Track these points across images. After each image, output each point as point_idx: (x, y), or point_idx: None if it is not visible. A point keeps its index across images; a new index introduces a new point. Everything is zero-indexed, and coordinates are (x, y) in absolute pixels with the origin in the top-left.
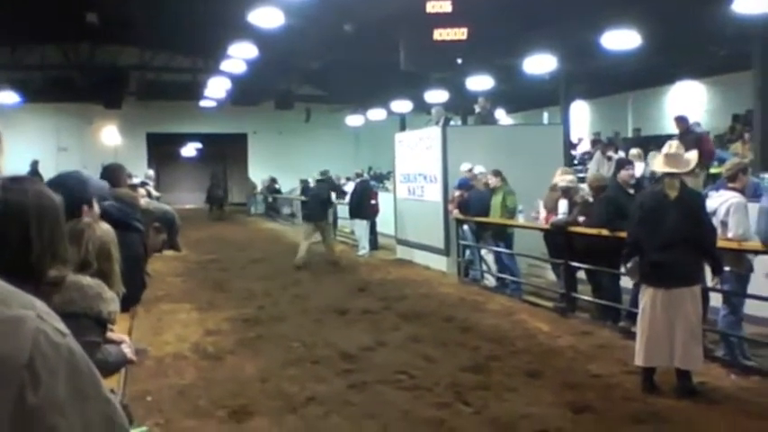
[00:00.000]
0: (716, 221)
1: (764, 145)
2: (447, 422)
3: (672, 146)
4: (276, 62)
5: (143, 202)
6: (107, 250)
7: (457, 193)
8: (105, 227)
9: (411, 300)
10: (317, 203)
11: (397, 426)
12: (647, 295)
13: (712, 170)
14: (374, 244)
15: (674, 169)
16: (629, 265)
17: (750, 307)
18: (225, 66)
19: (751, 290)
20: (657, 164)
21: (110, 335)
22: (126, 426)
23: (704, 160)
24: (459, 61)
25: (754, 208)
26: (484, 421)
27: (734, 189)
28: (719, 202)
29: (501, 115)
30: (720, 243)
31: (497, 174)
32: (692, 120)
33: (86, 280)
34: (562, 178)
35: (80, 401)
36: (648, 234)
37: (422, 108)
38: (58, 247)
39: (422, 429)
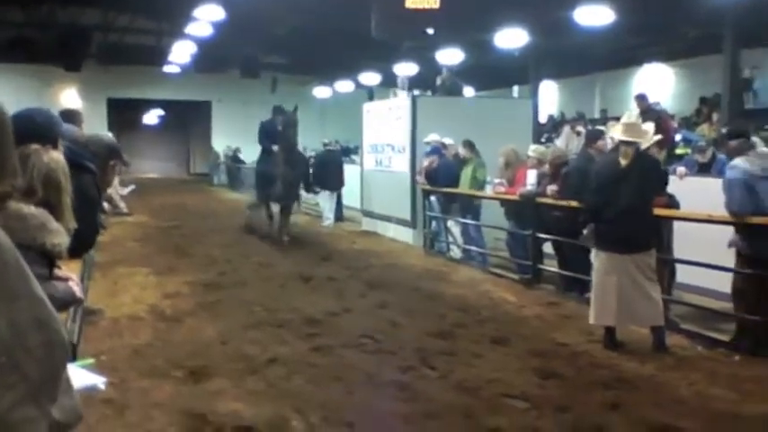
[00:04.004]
0: None
1: (731, 126)
2: (412, 385)
3: (630, 115)
4: (243, 27)
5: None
6: (55, 179)
7: (426, 163)
8: (55, 155)
9: (377, 269)
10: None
11: (361, 388)
12: (599, 259)
13: (678, 151)
14: (339, 215)
15: (629, 138)
16: (585, 231)
17: (714, 280)
18: (190, 29)
19: (710, 260)
20: (615, 131)
21: (57, 272)
22: (61, 333)
23: (664, 139)
24: (431, 31)
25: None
26: (449, 385)
27: None
28: None
29: (468, 92)
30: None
31: (469, 145)
32: (653, 100)
33: (29, 209)
34: (533, 148)
35: (6, 300)
36: (602, 201)
37: (391, 82)
38: (6, 162)
39: (387, 392)
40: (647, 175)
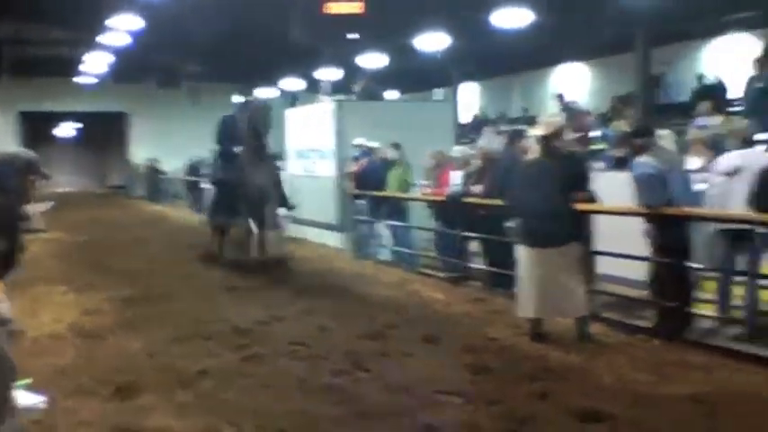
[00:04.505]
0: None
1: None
2: (345, 388)
3: (551, 114)
4: (161, 35)
5: None
6: None
7: (354, 166)
8: None
9: (305, 275)
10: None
11: (294, 395)
12: (524, 254)
13: (595, 147)
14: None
15: (539, 132)
16: (508, 225)
17: (632, 270)
18: (106, 39)
19: (628, 251)
20: (535, 131)
21: None
22: (8, 356)
23: (583, 136)
24: (354, 36)
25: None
26: (382, 386)
27: None
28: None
29: (392, 95)
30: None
31: (397, 147)
32: (570, 98)
33: None
34: (458, 150)
35: None
36: (522, 196)
37: (314, 88)
38: None
39: (320, 396)
40: (569, 170)
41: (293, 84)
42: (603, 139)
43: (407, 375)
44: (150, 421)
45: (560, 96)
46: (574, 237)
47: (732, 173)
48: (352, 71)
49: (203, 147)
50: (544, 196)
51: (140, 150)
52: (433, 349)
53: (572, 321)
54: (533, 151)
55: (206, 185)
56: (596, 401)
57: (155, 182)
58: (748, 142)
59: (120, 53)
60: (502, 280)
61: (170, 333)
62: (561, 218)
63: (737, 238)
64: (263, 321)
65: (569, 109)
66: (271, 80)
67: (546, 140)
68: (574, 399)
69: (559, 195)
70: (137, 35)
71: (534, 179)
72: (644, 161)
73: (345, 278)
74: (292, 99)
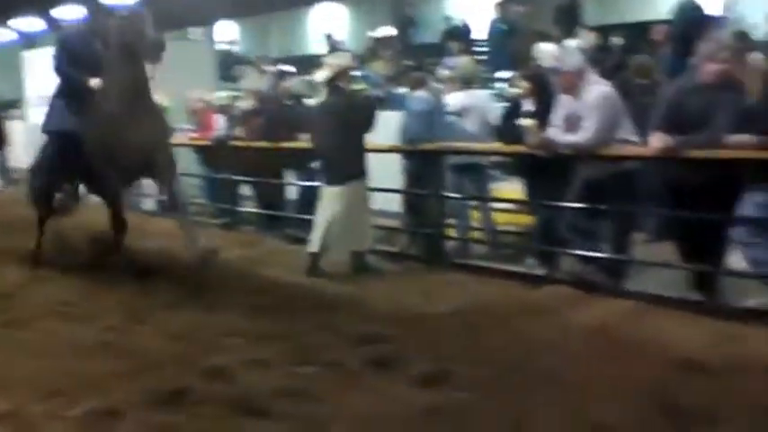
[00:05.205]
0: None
1: (400, 63)
2: (123, 343)
3: (336, 56)
4: None
5: None
6: None
7: None
8: None
9: (63, 232)
10: None
11: (65, 355)
12: (321, 192)
13: (356, 87)
14: (8, 178)
15: (324, 73)
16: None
17: (392, 202)
18: None
19: (385, 185)
20: (320, 74)
21: None
22: None
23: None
24: None
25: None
26: (162, 336)
27: None
28: None
29: None
30: None
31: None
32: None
33: None
34: (216, 95)
35: None
36: (315, 137)
37: (55, 28)
38: None
39: (97, 353)
40: (354, 110)
41: (30, 24)
42: (365, 79)
43: (187, 323)
44: None
45: (329, 36)
46: (362, 174)
47: (460, 112)
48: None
49: None
50: (333, 136)
51: None
52: (210, 295)
53: (347, 254)
54: (322, 93)
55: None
56: (376, 326)
57: None
58: (476, 83)
59: None
60: (274, 222)
61: None
62: (350, 156)
63: (468, 168)
64: (23, 285)
65: (336, 49)
66: (2, 19)
67: (331, 81)
68: (355, 327)
69: (347, 134)
70: None
71: (324, 120)
72: (419, 96)
73: (108, 231)
74: (29, 40)
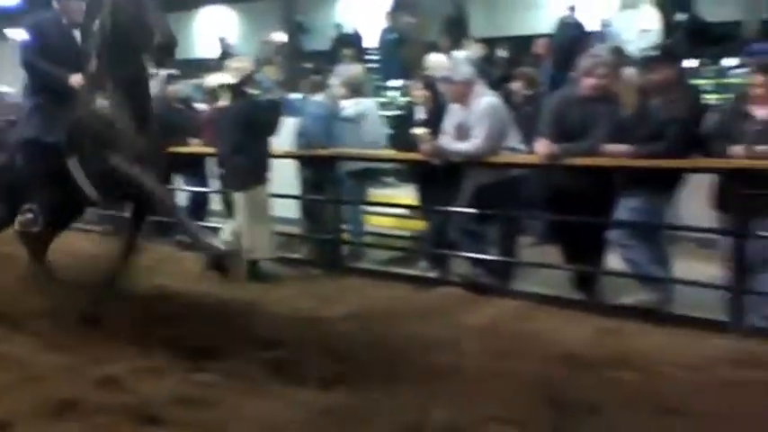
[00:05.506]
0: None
1: (292, 69)
2: (9, 354)
3: (237, 59)
4: None
5: None
6: None
7: None
8: None
9: None
10: None
11: None
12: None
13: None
14: None
15: (228, 79)
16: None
17: (288, 209)
18: None
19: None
20: (222, 78)
21: None
22: None
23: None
24: None
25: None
26: (50, 347)
27: None
28: None
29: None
30: None
31: None
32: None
33: None
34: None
35: None
36: (218, 143)
37: None
38: None
39: None
40: (257, 115)
41: None
42: (256, 84)
43: (76, 333)
44: None
45: (222, 40)
46: (262, 180)
47: (355, 118)
48: None
49: None
50: (235, 141)
51: None
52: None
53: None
54: (225, 97)
55: None
56: (270, 331)
57: None
58: (365, 91)
59: None
60: (166, 228)
61: None
62: (255, 161)
63: (364, 174)
64: None
65: (229, 53)
66: None
67: (236, 87)
68: (254, 330)
69: (252, 138)
70: None
71: (228, 124)
72: (318, 101)
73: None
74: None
